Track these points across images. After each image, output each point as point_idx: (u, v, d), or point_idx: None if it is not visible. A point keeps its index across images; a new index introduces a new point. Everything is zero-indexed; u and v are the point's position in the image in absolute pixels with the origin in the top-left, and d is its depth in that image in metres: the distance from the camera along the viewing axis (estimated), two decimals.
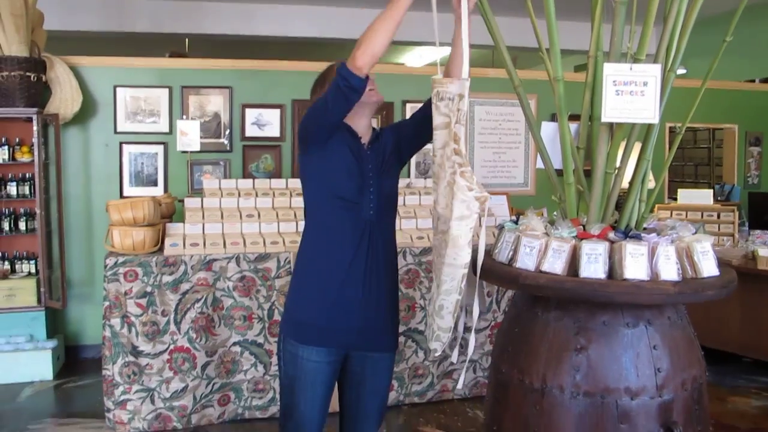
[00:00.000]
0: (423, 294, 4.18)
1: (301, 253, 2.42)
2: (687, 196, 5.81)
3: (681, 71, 6.78)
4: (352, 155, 2.33)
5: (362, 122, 2.39)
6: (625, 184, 2.27)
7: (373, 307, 2.35)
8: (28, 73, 4.76)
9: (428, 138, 2.33)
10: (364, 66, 2.14)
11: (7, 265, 4.97)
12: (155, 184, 5.31)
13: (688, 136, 9.10)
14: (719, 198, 6.83)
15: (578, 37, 5.13)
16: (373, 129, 2.46)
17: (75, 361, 5.16)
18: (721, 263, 2.18)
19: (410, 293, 4.16)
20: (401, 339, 4.17)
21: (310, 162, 2.37)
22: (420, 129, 2.41)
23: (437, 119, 2.15)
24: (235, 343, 3.93)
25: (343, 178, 2.31)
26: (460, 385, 2.41)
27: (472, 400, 4.33)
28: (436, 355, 2.31)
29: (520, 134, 6.05)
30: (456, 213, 2.07)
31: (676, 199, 5.98)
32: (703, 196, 5.79)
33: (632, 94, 2.01)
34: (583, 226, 2.16)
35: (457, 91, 2.10)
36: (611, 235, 2.04)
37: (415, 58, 10.93)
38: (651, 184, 2.42)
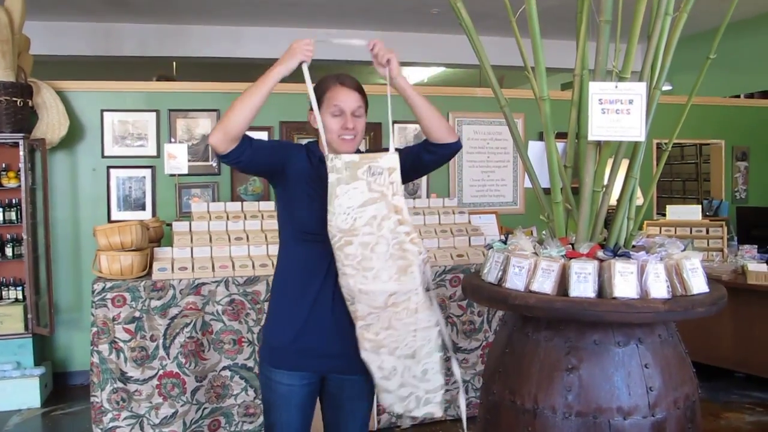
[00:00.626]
0: None
1: (274, 279, 2.43)
2: (676, 212, 5.82)
3: (667, 87, 6.84)
4: (314, 187, 2.28)
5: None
6: (613, 201, 2.27)
7: (344, 331, 2.29)
8: (14, 98, 4.74)
9: (412, 178, 2.41)
10: (216, 144, 2.16)
11: None
12: (143, 208, 5.28)
13: (676, 152, 9.16)
14: (708, 213, 6.87)
15: (564, 55, 5.17)
16: (358, 151, 2.43)
17: (63, 388, 5.09)
18: (711, 279, 2.18)
19: None
20: None
21: (276, 195, 2.39)
22: (409, 173, 2.39)
23: (366, 195, 2.16)
24: (224, 368, 3.89)
25: (303, 211, 2.29)
26: (464, 417, 2.37)
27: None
28: (438, 416, 2.30)
29: (509, 153, 6.06)
30: (419, 279, 2.16)
31: (664, 215, 5.99)
32: (692, 212, 5.81)
33: (618, 112, 2.02)
34: (572, 245, 2.16)
35: (387, 165, 2.17)
36: (600, 253, 2.04)
37: None
38: (639, 201, 2.43)
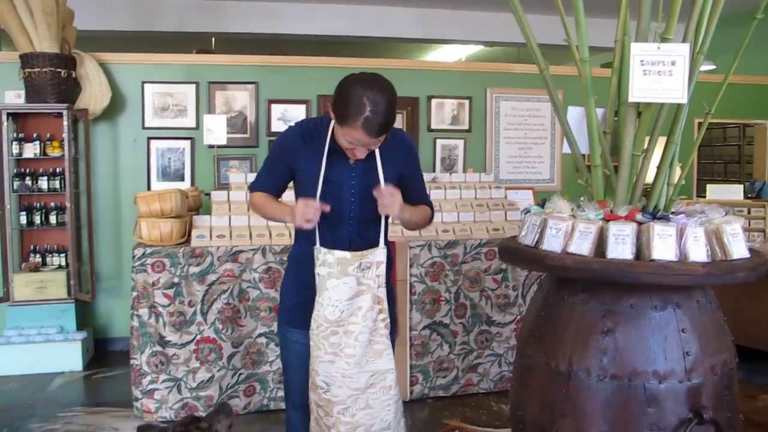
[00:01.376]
0: (448, 287, 4.17)
1: (293, 245, 2.51)
2: (716, 191, 5.74)
3: (710, 67, 6.69)
4: (318, 168, 2.29)
5: None
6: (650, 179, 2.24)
7: None
8: (58, 69, 4.84)
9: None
10: None
11: (38, 258, 5.04)
12: (182, 179, 5.35)
13: (718, 134, 8.98)
14: (749, 195, 6.72)
15: (603, 33, 5.09)
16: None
17: (104, 353, 5.22)
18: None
19: (435, 286, 4.15)
20: (426, 332, 4.16)
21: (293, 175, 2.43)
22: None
23: (354, 289, 2.28)
24: (260, 335, 3.95)
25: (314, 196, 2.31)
26: None
27: (497, 394, 4.30)
28: None
29: (546, 129, 6.01)
30: (393, 360, 2.35)
31: (704, 197, 5.90)
32: (733, 192, 5.71)
33: (660, 74, 1.99)
34: (611, 210, 2.14)
35: (375, 259, 2.28)
36: (639, 216, 2.02)
37: (440, 56, 10.90)
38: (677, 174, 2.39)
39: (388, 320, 2.34)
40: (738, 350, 2.21)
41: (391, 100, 2.09)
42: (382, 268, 2.30)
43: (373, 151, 2.28)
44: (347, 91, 2.08)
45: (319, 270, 2.28)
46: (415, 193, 2.49)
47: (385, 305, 2.33)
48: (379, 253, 2.30)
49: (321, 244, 2.30)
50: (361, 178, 2.32)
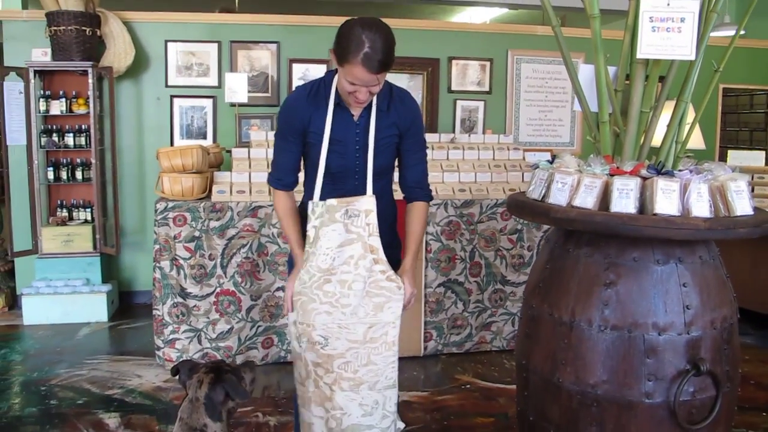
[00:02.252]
0: (463, 246, 4.23)
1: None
2: (737, 157, 5.68)
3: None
4: (331, 139, 2.32)
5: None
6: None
7: None
8: (83, 28, 4.91)
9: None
10: None
11: (65, 213, 5.18)
12: (204, 136, 5.44)
13: (744, 101, 8.84)
14: None
15: None
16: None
17: (128, 305, 5.39)
18: None
19: (451, 245, 4.21)
20: (440, 290, 4.24)
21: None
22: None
23: (343, 236, 2.29)
24: (278, 288, 4.05)
25: (317, 156, 2.33)
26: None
27: (509, 353, 4.38)
28: (401, 428, 2.51)
29: (567, 93, 5.98)
30: (397, 313, 2.36)
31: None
32: (755, 158, 5.66)
33: (669, 30, 2.00)
34: (617, 166, 2.18)
35: (364, 207, 2.29)
36: (643, 171, 2.05)
37: (464, 18, 10.81)
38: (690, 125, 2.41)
39: (391, 272, 2.33)
40: (752, 317, 2.24)
41: (388, 38, 2.15)
42: (372, 217, 2.29)
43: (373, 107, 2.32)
44: (347, 31, 2.15)
45: (314, 222, 2.30)
46: (413, 168, 2.47)
47: (381, 255, 2.31)
48: (366, 202, 2.29)
49: (321, 198, 2.32)
50: (363, 133, 2.35)
